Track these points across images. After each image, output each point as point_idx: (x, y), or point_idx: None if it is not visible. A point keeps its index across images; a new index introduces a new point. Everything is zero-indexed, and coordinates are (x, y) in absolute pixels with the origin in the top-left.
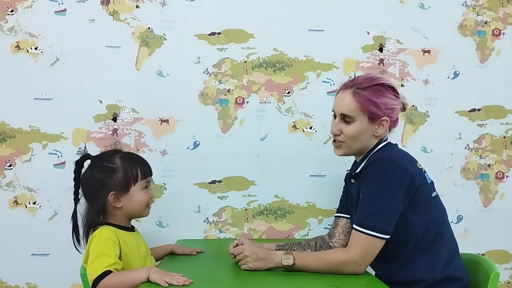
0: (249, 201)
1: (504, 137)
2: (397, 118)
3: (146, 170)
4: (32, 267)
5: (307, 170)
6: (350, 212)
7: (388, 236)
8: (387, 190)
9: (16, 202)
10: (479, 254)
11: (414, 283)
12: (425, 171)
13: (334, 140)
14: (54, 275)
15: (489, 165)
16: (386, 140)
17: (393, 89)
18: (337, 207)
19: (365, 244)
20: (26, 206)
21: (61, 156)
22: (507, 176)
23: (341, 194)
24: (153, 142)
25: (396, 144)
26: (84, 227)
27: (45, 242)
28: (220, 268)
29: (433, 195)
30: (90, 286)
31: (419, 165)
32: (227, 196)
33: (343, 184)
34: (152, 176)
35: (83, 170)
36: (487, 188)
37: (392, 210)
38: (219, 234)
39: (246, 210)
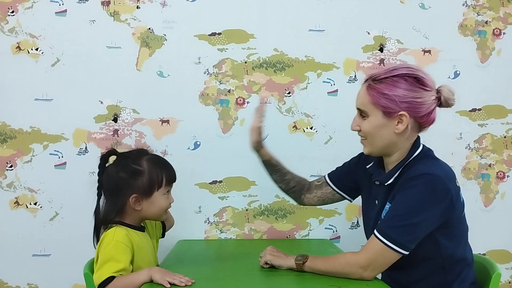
0: (249, 201)
1: (505, 137)
2: (429, 114)
3: (171, 176)
4: (33, 268)
5: (308, 171)
6: (347, 192)
7: (407, 253)
8: (425, 209)
9: (17, 202)
10: (480, 254)
11: None
12: (459, 188)
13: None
14: (55, 275)
15: (489, 165)
16: (420, 145)
17: (417, 79)
18: (337, 207)
19: (379, 252)
20: (27, 207)
21: (62, 157)
22: (507, 176)
23: (343, 165)
24: (154, 143)
25: (431, 151)
26: (97, 222)
27: (46, 243)
28: (221, 268)
29: (462, 215)
30: None
31: (457, 183)
32: (227, 197)
33: None
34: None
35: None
36: (488, 188)
37: (422, 229)
38: (220, 234)
39: (247, 210)
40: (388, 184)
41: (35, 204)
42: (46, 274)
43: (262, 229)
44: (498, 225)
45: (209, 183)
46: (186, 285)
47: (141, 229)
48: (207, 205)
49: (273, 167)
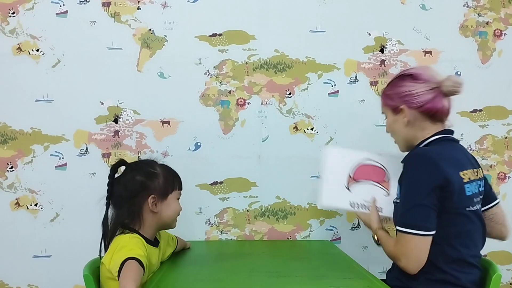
0: (250, 202)
1: (506, 138)
2: (428, 103)
3: (180, 183)
4: (33, 269)
5: (309, 171)
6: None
7: (430, 232)
8: (417, 186)
9: (17, 203)
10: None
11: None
12: (469, 182)
13: None
14: (56, 276)
15: (490, 166)
16: (447, 133)
17: (411, 75)
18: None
19: (406, 241)
20: (27, 208)
21: (63, 158)
22: (508, 177)
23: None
24: (155, 144)
25: (453, 140)
26: (112, 228)
27: (46, 244)
28: (221, 269)
29: (468, 209)
30: (117, 269)
31: (463, 175)
32: (228, 198)
33: None
34: None
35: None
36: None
37: (423, 205)
38: (221, 235)
39: (247, 211)
40: (402, 162)
41: (35, 205)
42: (46, 275)
43: (263, 230)
44: None
45: (209, 184)
46: None
47: (155, 243)
48: (208, 206)
49: None
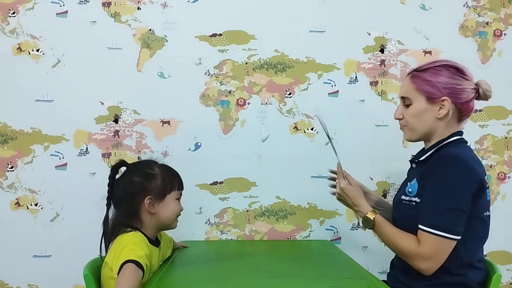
0: (250, 202)
1: (506, 138)
2: (468, 102)
3: (180, 183)
4: (33, 269)
5: (309, 171)
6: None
7: (459, 237)
8: (455, 190)
9: (17, 203)
10: None
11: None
12: (488, 187)
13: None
14: (56, 276)
15: (490, 166)
16: (461, 134)
17: (457, 69)
18: (338, 208)
19: (434, 243)
20: (27, 208)
21: (63, 158)
22: (508, 177)
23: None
24: (155, 144)
25: (468, 145)
26: (111, 228)
27: (46, 244)
28: (221, 269)
29: (485, 214)
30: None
31: (486, 179)
32: (228, 198)
33: None
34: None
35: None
36: (489, 189)
37: (460, 209)
38: (221, 235)
39: (247, 211)
40: (421, 160)
41: (35, 205)
42: (46, 275)
43: (263, 230)
44: (499, 226)
45: (209, 184)
46: None
47: (156, 243)
48: (208, 206)
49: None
